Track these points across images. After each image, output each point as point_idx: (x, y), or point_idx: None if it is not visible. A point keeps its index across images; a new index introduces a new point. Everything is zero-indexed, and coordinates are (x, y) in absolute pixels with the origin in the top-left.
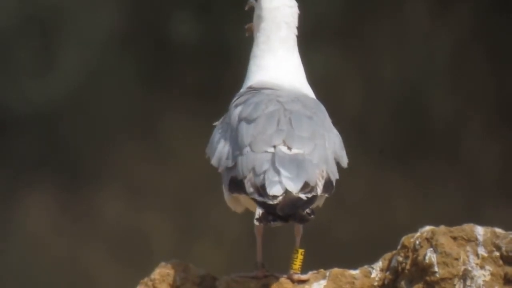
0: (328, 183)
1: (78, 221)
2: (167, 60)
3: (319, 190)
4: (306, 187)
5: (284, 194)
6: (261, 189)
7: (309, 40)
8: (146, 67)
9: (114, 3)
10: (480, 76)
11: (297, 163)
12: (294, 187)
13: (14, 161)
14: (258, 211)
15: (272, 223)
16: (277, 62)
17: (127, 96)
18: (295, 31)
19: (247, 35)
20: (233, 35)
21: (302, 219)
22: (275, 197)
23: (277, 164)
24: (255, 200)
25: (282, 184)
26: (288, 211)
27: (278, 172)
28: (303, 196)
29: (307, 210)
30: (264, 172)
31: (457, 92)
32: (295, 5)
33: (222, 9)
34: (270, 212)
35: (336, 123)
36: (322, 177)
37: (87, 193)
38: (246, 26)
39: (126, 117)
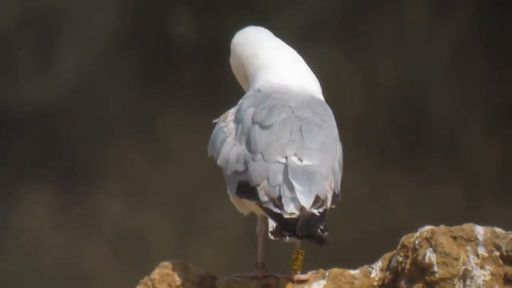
0: (335, 195)
1: (78, 221)
2: (166, 60)
3: (329, 203)
4: (317, 201)
5: (300, 211)
6: (277, 201)
7: (309, 40)
8: (145, 67)
9: (114, 3)
10: (480, 76)
11: (308, 175)
12: (307, 202)
13: (14, 161)
14: (272, 224)
15: (287, 238)
16: (283, 62)
17: (127, 96)
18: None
19: None
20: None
21: (320, 240)
22: (292, 213)
23: (290, 177)
24: (269, 210)
25: (297, 201)
26: (306, 230)
27: (291, 186)
28: (315, 211)
29: (321, 227)
30: (279, 184)
31: (457, 92)
32: (266, 31)
33: (221, 8)
34: (285, 227)
35: (336, 123)
36: (331, 188)
37: (87, 193)
38: None
39: (125, 117)
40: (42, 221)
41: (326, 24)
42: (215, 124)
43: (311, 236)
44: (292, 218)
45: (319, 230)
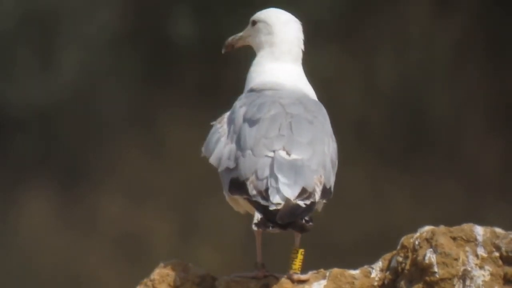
0: (325, 189)
1: (78, 221)
2: (166, 60)
3: (317, 196)
4: (303, 193)
5: (285, 201)
6: (264, 193)
7: (309, 40)
8: (145, 67)
9: (114, 3)
10: (480, 75)
11: (295, 169)
12: (291, 194)
13: (14, 161)
14: (257, 216)
15: (270, 229)
16: (279, 67)
17: (127, 95)
18: (302, 46)
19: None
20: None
21: (302, 228)
22: (278, 204)
23: (275, 170)
24: (256, 203)
25: (280, 192)
26: (287, 219)
27: (276, 179)
28: (301, 203)
29: (306, 218)
30: (266, 177)
31: (457, 92)
32: (297, 20)
33: (221, 8)
34: (269, 219)
35: (337, 123)
36: (320, 182)
37: (87, 193)
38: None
39: (125, 117)
40: (42, 221)
41: (327, 24)
42: (212, 125)
43: (293, 225)
44: (277, 210)
45: (303, 221)
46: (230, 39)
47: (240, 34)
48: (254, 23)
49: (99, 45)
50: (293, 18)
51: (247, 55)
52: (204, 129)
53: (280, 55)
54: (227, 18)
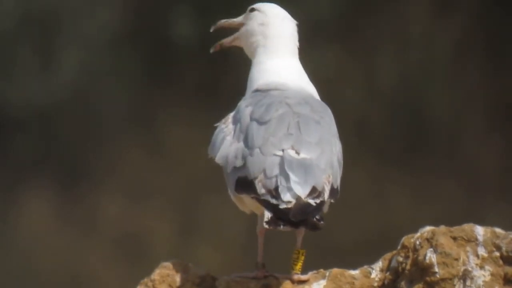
0: (333, 188)
1: (78, 221)
2: (166, 60)
3: (326, 195)
4: (314, 192)
5: (296, 200)
6: (274, 192)
7: (309, 40)
8: (145, 67)
9: (114, 3)
10: (480, 75)
11: (305, 167)
12: (302, 192)
13: (14, 161)
14: (267, 215)
15: (282, 227)
16: (281, 65)
17: (127, 96)
18: (297, 43)
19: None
20: (232, 33)
21: (314, 226)
22: (289, 202)
23: (286, 168)
24: (266, 202)
25: (292, 190)
26: (299, 217)
27: (288, 177)
28: (312, 201)
29: (317, 217)
30: (276, 176)
31: (457, 92)
32: (293, 20)
33: (221, 8)
34: (280, 217)
35: (337, 123)
36: (329, 182)
37: (87, 193)
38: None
39: (125, 117)
40: (42, 221)
41: (327, 24)
42: (216, 126)
43: (305, 223)
44: (288, 208)
45: (314, 219)
46: (223, 21)
47: (234, 19)
48: (252, 10)
49: (99, 45)
50: (290, 17)
51: (247, 55)
52: (204, 129)
53: (275, 49)
54: (227, 18)
